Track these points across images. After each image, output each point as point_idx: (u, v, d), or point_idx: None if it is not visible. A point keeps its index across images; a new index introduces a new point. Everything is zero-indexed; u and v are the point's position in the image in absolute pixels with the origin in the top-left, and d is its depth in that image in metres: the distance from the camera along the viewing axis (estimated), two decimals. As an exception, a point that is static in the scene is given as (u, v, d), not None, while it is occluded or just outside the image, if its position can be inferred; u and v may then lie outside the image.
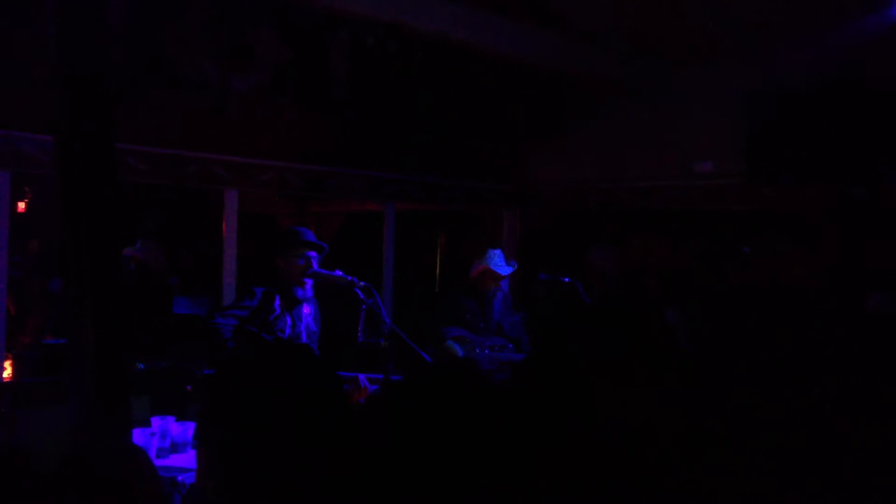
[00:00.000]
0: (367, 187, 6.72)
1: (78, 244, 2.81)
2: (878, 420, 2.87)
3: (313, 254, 4.50)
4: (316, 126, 6.27)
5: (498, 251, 5.87)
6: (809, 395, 3.25)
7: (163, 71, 5.36)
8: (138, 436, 3.55)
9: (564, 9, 6.19)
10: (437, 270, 8.79)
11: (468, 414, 1.21)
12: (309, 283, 4.50)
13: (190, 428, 3.80)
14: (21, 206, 7.45)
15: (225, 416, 1.43)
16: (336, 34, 6.15)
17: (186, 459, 3.65)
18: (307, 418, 1.39)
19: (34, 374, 4.78)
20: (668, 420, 2.17)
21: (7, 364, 4.93)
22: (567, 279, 5.54)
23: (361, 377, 4.28)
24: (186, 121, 5.57)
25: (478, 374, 1.28)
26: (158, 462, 3.55)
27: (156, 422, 3.80)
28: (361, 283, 4.21)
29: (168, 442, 3.78)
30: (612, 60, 6.57)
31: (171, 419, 3.82)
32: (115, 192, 2.89)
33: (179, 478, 3.35)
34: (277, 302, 4.45)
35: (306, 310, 4.60)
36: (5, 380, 4.86)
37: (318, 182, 6.41)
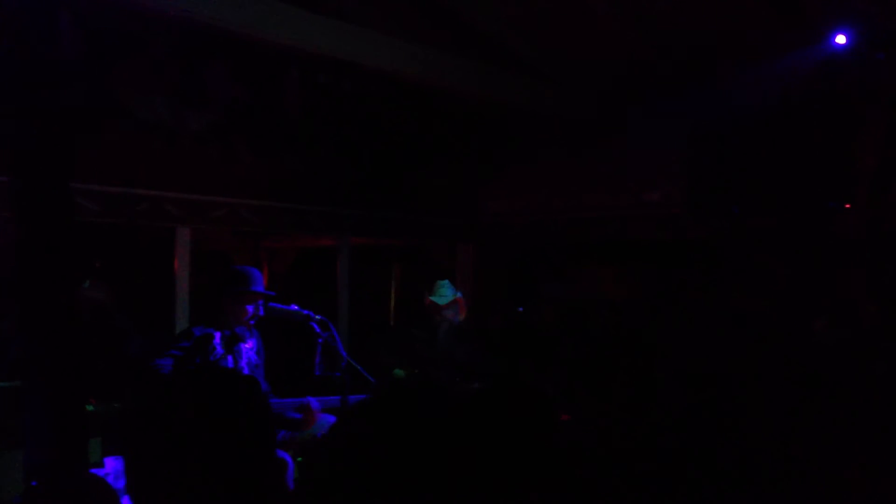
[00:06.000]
0: (322, 222, 6.74)
1: (34, 285, 2.80)
2: (823, 435, 2.96)
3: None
4: (269, 162, 6.29)
5: (445, 281, 5.94)
6: (761, 415, 3.35)
7: (114, 109, 5.35)
8: (93, 477, 3.51)
9: (516, 46, 6.33)
10: (392, 304, 8.81)
11: (429, 430, 1.25)
12: (252, 323, 4.51)
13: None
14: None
15: (148, 434, 1.43)
16: (289, 72, 6.21)
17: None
18: (233, 437, 1.41)
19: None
20: (625, 438, 2.23)
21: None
22: (521, 309, 5.62)
23: (312, 400, 4.28)
24: (138, 159, 5.56)
25: (436, 392, 1.32)
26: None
27: (109, 462, 3.76)
28: (317, 317, 4.23)
29: (122, 483, 3.74)
30: (562, 96, 6.72)
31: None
32: (73, 232, 2.89)
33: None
34: (217, 341, 4.41)
35: (247, 344, 4.59)
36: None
37: (272, 218, 6.42)
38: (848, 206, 6.07)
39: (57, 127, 3.02)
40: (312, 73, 6.25)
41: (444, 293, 5.82)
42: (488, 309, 7.41)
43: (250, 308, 4.44)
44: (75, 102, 4.95)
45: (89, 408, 5.23)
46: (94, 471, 3.58)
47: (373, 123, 6.77)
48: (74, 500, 1.77)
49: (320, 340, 4.17)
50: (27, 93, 3.02)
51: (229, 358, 4.44)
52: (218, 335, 4.40)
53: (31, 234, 2.88)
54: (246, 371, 4.49)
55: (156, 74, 5.54)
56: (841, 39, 5.66)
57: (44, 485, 1.95)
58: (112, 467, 3.72)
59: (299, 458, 4.40)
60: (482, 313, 7.16)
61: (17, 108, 3.03)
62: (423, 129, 7.15)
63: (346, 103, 6.50)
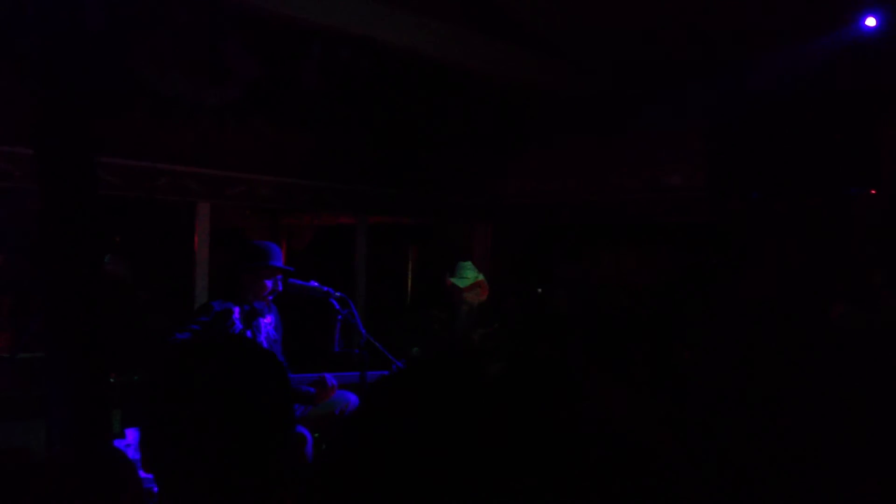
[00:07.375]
0: (339, 200, 6.74)
1: (58, 258, 2.82)
2: (841, 425, 2.95)
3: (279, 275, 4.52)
4: (288, 139, 6.29)
5: (468, 263, 5.94)
6: (780, 404, 3.33)
7: (134, 84, 5.35)
8: (114, 448, 3.55)
9: (535, 26, 6.28)
10: (409, 284, 8.82)
11: (456, 407, 1.23)
12: (271, 299, 4.52)
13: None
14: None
15: (164, 401, 1.41)
16: (308, 48, 6.18)
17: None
18: (249, 403, 1.39)
19: (8, 388, 4.73)
20: (642, 421, 2.23)
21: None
22: (539, 291, 5.61)
23: (328, 376, 4.30)
24: (158, 134, 5.57)
25: (459, 371, 1.30)
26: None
27: (130, 433, 3.80)
28: (337, 294, 4.24)
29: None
30: (581, 76, 6.68)
31: (145, 431, 3.81)
32: (96, 205, 2.90)
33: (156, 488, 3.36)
34: (237, 316, 4.43)
35: (266, 319, 4.61)
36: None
37: (290, 195, 6.42)
38: (874, 191, 6.00)
39: (80, 100, 3.03)
40: (333, 51, 6.23)
41: (466, 275, 5.83)
42: (505, 290, 7.41)
43: (269, 283, 4.46)
44: (97, 76, 4.96)
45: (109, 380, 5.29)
46: (116, 441, 3.62)
47: (393, 102, 6.75)
48: (93, 470, 1.77)
49: (339, 317, 4.19)
50: (50, 66, 3.03)
51: (248, 333, 4.47)
52: (237, 310, 4.43)
53: (54, 207, 2.89)
54: (265, 346, 4.52)
55: (176, 49, 5.54)
56: (871, 22, 5.58)
57: (63, 454, 1.96)
58: (133, 438, 3.75)
59: (316, 434, 4.43)
60: (499, 294, 7.16)
61: (40, 82, 3.04)
62: (442, 108, 7.12)
63: (366, 81, 6.48)
